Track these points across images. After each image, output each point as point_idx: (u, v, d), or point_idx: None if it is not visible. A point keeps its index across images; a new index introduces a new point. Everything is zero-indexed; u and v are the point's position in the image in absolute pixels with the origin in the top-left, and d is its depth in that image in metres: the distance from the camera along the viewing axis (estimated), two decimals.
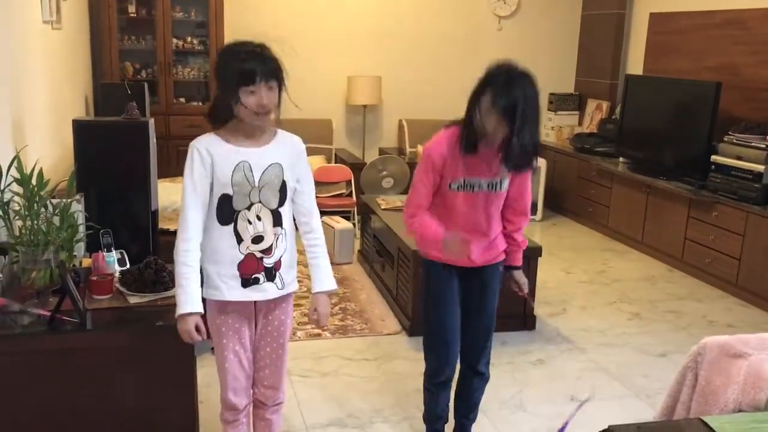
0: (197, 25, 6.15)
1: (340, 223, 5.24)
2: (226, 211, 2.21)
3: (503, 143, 2.43)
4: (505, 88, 2.36)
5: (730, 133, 5.03)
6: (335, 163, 6.43)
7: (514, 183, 2.62)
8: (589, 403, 3.33)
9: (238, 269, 2.25)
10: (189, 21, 6.12)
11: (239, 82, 2.20)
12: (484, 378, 2.83)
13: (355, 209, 5.95)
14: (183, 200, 2.18)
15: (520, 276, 2.79)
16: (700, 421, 1.51)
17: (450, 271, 2.65)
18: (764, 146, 4.68)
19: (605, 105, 6.95)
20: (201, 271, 2.25)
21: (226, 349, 2.35)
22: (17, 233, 2.73)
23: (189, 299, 2.17)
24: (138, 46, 6.02)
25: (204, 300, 2.25)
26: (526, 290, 2.81)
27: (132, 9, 5.91)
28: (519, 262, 2.77)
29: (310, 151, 6.43)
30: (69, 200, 2.78)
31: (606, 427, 1.54)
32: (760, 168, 4.65)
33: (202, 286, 2.24)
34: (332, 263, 5.23)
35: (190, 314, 2.18)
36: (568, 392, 3.42)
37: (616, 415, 3.23)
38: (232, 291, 2.27)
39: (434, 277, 2.69)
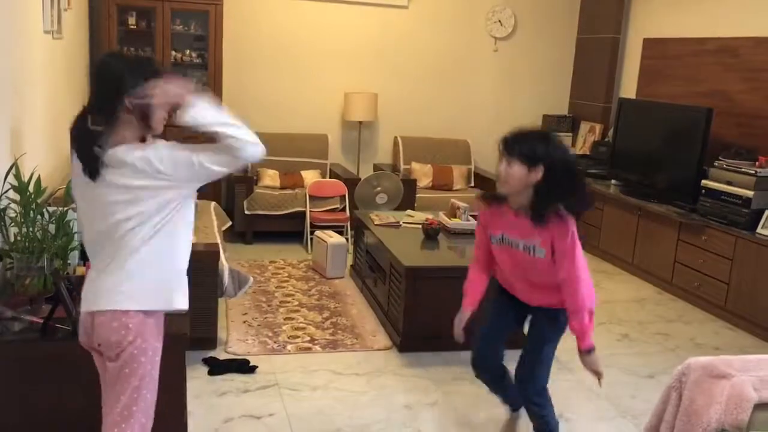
0: (196, 38, 6.20)
1: (333, 238, 5.26)
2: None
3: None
4: (512, 134, 2.58)
5: (720, 158, 5.09)
6: (330, 178, 6.46)
7: (556, 259, 2.61)
8: (581, 423, 3.35)
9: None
10: (188, 34, 6.17)
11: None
12: (531, 407, 2.92)
13: (348, 224, 5.98)
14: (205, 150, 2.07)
15: (584, 360, 2.67)
16: None
17: (504, 291, 2.88)
18: (754, 172, 4.74)
19: (598, 127, 7.03)
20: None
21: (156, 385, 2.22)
22: (12, 240, 2.75)
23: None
24: None
25: (146, 312, 2.11)
26: (597, 378, 2.69)
27: (132, 21, 5.95)
28: (580, 346, 2.66)
29: (306, 166, 6.50)
30: (65, 208, 2.81)
31: None
32: (750, 193, 4.71)
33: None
34: (324, 278, 5.27)
35: None
36: (557, 411, 3.43)
37: None
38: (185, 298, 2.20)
39: (492, 289, 2.91)
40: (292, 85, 6.66)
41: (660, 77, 6.28)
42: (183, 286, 2.20)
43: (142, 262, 2.09)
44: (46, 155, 3.91)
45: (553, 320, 2.78)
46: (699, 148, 5.26)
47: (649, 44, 6.44)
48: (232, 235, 5.93)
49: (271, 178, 6.19)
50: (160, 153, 2.04)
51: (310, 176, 6.33)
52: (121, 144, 2.05)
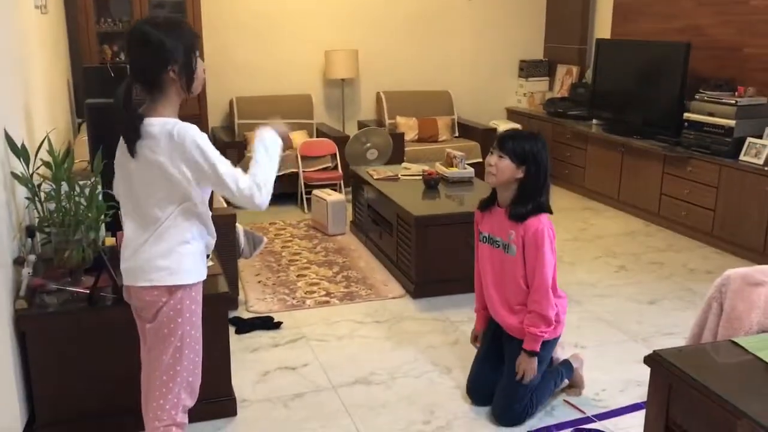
0: (173, 5, 6.13)
1: (331, 196, 5.35)
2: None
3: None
4: (507, 132, 2.93)
5: (701, 91, 5.28)
6: (317, 137, 6.51)
7: (527, 258, 2.81)
8: (594, 349, 3.55)
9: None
10: (165, 2, 6.10)
11: (197, 46, 2.14)
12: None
13: (342, 181, 6.08)
14: (228, 168, 2.11)
15: (522, 359, 2.84)
16: (730, 341, 1.72)
17: (493, 325, 3.04)
18: (734, 102, 4.94)
19: (575, 69, 7.17)
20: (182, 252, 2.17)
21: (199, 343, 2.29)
22: (43, 215, 2.80)
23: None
24: (115, 29, 5.98)
25: (182, 287, 2.16)
26: (520, 377, 2.85)
27: None
28: (525, 346, 2.84)
29: (293, 127, 6.53)
30: (95, 181, 2.85)
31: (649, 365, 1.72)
32: (732, 123, 4.92)
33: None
34: (326, 235, 5.37)
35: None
36: (572, 340, 3.62)
37: (619, 357, 3.47)
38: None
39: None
40: (272, 46, 6.65)
41: (634, 16, 6.41)
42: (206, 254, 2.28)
43: (172, 239, 2.13)
44: (44, 131, 3.90)
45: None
46: (679, 82, 5.44)
47: None
48: (227, 201, 5.97)
49: None
50: (195, 143, 2.05)
51: (297, 137, 6.36)
52: (160, 116, 2.09)
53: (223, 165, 2.10)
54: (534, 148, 2.76)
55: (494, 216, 2.92)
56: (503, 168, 2.77)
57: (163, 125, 2.06)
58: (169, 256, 2.14)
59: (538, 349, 2.85)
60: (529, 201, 2.78)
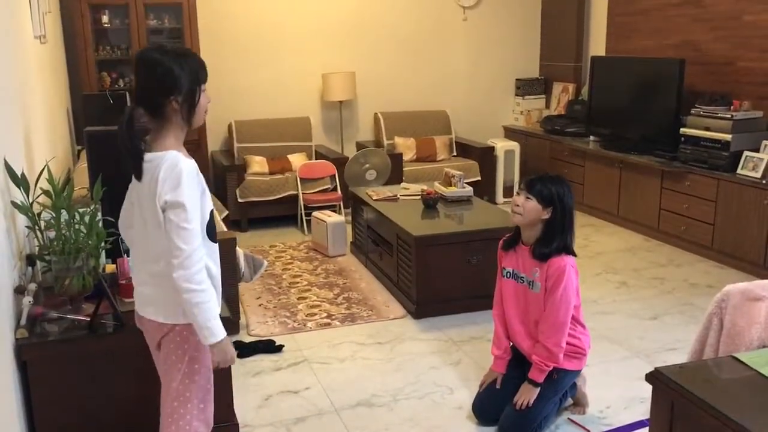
0: (171, 32, 6.19)
1: (331, 217, 5.36)
2: (212, 226, 2.16)
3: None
4: (534, 175, 2.94)
5: (696, 105, 5.31)
6: (315, 159, 6.54)
7: (546, 294, 2.86)
8: (597, 366, 3.54)
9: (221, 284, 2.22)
10: (163, 28, 6.16)
11: (202, 79, 2.14)
12: None
13: (342, 203, 6.09)
14: (188, 224, 1.99)
15: (524, 387, 2.89)
16: (731, 357, 1.72)
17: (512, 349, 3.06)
18: (730, 116, 4.97)
19: (571, 87, 7.21)
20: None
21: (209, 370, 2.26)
22: (43, 243, 2.80)
23: (220, 323, 2.07)
24: (113, 56, 6.03)
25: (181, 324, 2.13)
26: (518, 405, 2.87)
27: (105, 19, 5.92)
28: (530, 375, 2.88)
29: (292, 149, 6.57)
30: (94, 208, 2.86)
31: (651, 379, 1.72)
32: (728, 137, 4.94)
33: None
34: (327, 256, 5.37)
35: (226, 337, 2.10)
36: None
37: (622, 374, 3.46)
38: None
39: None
40: (270, 70, 6.70)
41: (628, 33, 6.47)
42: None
43: (161, 273, 2.10)
44: (44, 159, 3.92)
45: (547, 376, 2.89)
46: (674, 98, 5.47)
47: (615, 1, 6.61)
48: (227, 224, 5.98)
49: (259, 164, 6.25)
50: (174, 181, 2.00)
51: (297, 159, 6.40)
52: (164, 146, 2.07)
53: (193, 219, 1.99)
54: (560, 191, 2.84)
55: (518, 253, 2.97)
56: (530, 209, 2.83)
57: (161, 158, 2.04)
58: (170, 293, 2.08)
59: (541, 380, 2.87)
60: (553, 241, 2.84)
